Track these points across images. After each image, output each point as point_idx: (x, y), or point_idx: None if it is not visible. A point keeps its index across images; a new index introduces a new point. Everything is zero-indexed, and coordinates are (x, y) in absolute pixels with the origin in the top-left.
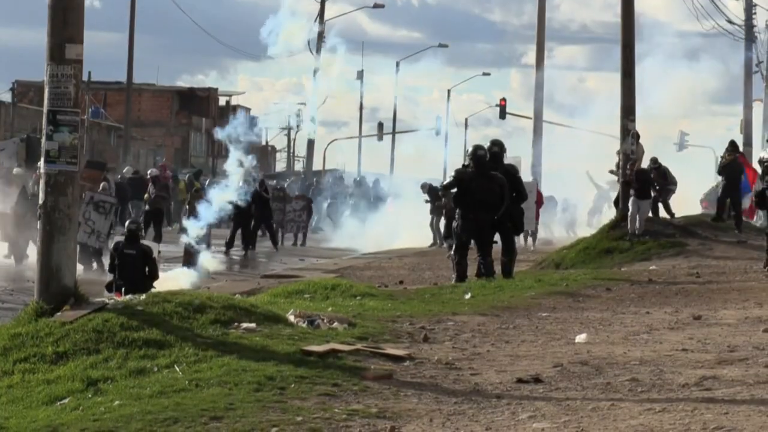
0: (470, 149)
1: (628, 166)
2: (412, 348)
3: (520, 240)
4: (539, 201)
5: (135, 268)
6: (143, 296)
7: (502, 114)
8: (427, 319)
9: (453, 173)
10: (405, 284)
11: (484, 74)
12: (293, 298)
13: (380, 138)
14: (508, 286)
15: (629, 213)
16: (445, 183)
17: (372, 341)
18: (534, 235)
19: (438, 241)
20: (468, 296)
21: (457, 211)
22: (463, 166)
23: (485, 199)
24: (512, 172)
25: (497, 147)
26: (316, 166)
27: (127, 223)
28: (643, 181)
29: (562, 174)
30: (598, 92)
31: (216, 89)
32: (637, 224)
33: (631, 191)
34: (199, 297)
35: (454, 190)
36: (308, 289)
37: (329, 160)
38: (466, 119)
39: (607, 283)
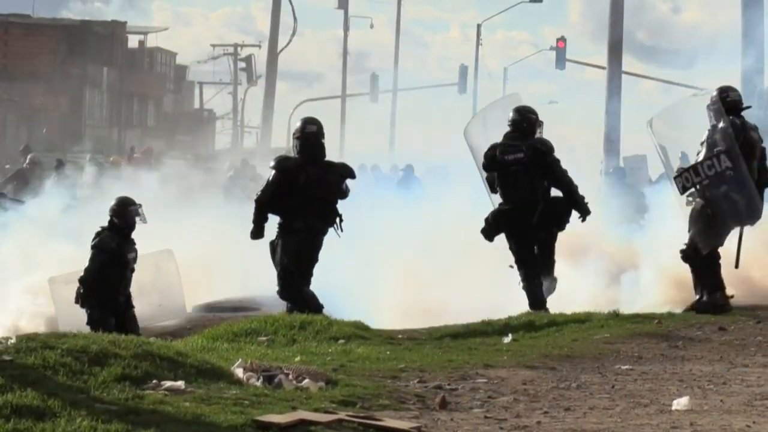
0: (298, 124)
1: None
2: (424, 418)
3: None
4: None
5: None
6: (12, 339)
7: (560, 61)
8: (445, 375)
9: (272, 163)
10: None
11: (532, 0)
12: (242, 341)
13: (374, 98)
14: (567, 325)
15: None
16: (263, 187)
17: (362, 408)
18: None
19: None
20: (508, 339)
21: (280, 223)
22: (281, 159)
23: (321, 197)
24: (543, 150)
25: (315, 126)
26: (277, 140)
27: None
28: None
29: (652, 153)
30: (703, 29)
31: (123, 23)
32: None
33: None
34: (98, 341)
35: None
36: (265, 329)
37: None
38: (506, 69)
39: (720, 320)
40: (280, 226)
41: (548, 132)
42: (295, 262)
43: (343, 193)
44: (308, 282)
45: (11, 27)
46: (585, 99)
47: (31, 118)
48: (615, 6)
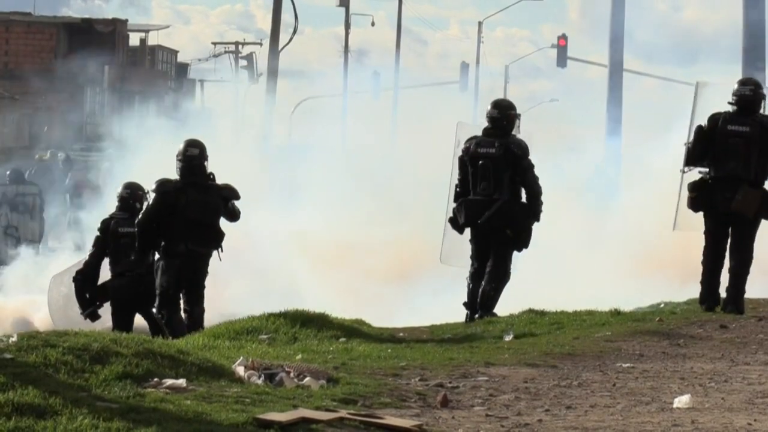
0: (181, 146)
1: None
2: (425, 416)
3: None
4: None
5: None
6: (13, 337)
7: (562, 59)
8: (446, 373)
9: (153, 185)
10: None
11: None
12: (243, 339)
13: (375, 96)
14: (569, 323)
15: None
16: (143, 210)
17: (363, 406)
18: None
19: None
20: (509, 337)
21: (163, 245)
22: (160, 182)
23: (201, 221)
24: (517, 153)
25: (197, 149)
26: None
27: None
28: None
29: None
30: (703, 26)
31: (125, 21)
32: None
33: None
34: (99, 339)
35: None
36: (266, 327)
37: (296, 129)
38: (507, 67)
39: (722, 318)
40: (163, 249)
41: (549, 129)
42: (174, 285)
43: (231, 215)
44: (196, 302)
45: (12, 25)
46: (586, 96)
47: (31, 115)
48: (616, 3)
